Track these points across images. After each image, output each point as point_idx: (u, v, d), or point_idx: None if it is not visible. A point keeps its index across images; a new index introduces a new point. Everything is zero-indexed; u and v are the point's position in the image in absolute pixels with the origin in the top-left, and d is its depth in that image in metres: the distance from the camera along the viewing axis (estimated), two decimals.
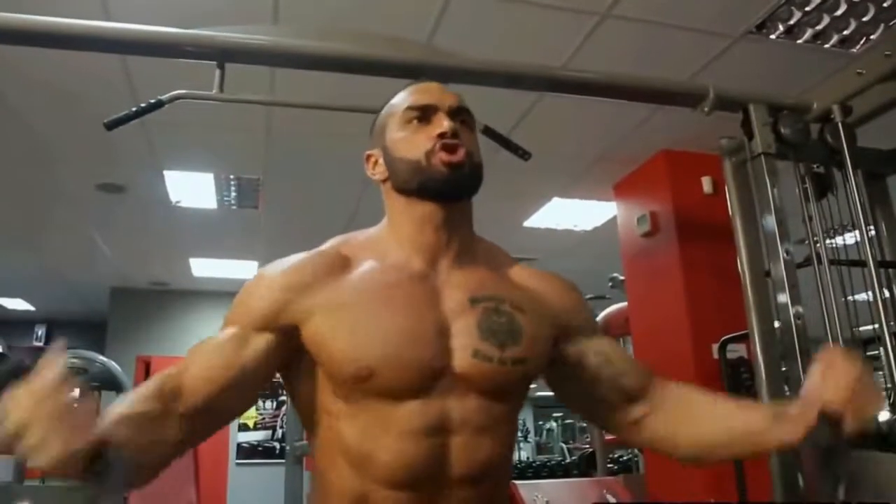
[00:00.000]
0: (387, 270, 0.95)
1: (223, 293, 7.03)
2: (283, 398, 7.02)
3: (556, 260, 5.27)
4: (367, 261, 0.97)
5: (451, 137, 0.94)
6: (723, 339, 2.90)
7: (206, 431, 0.91)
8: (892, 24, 2.57)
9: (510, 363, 0.91)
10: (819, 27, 2.60)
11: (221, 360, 0.90)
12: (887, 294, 1.91)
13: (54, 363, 0.73)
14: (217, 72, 1.69)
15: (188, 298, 6.91)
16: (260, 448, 7.03)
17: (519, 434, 12.10)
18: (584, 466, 5.89)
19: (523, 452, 12.45)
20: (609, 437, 6.33)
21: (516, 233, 4.93)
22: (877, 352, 1.83)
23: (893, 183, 2.20)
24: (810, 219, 1.96)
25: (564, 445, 11.69)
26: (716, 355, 3.03)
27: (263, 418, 7.14)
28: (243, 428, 7.05)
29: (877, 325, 1.80)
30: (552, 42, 2.68)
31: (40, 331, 8.53)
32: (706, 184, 3.57)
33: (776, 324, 1.83)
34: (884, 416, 1.96)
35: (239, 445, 6.98)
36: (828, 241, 1.97)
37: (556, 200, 4.50)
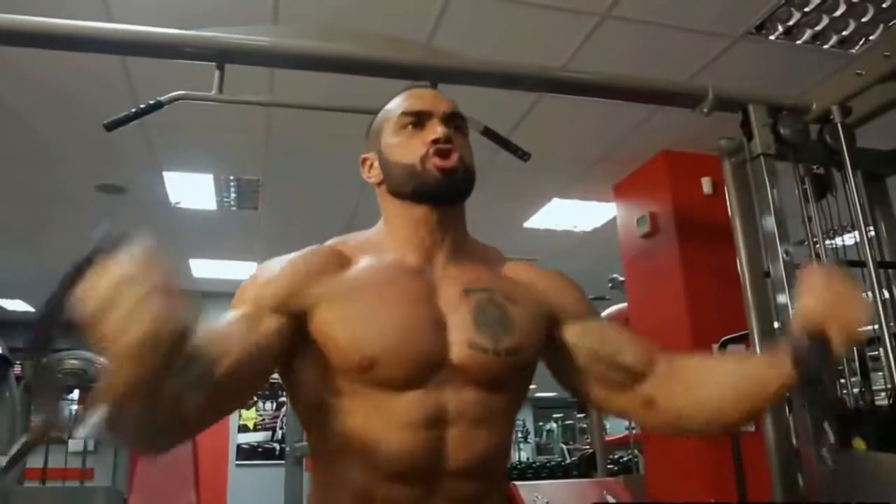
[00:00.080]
0: (384, 267, 0.97)
1: (223, 294, 6.99)
2: (283, 399, 7.02)
3: (556, 261, 5.26)
4: (364, 259, 0.98)
5: (444, 143, 0.97)
6: (723, 339, 2.89)
7: (208, 414, 0.84)
8: (891, 24, 2.57)
9: (504, 354, 0.93)
10: (818, 28, 2.61)
11: (236, 335, 0.86)
12: (887, 294, 1.91)
13: (144, 249, 0.68)
14: (216, 73, 1.69)
15: (188, 299, 6.90)
16: (260, 449, 7.03)
17: (519, 435, 12.17)
18: (585, 467, 5.89)
19: (523, 453, 12.46)
20: (609, 437, 6.34)
21: (516, 234, 4.93)
22: (877, 352, 1.83)
23: (893, 183, 2.20)
24: (810, 219, 1.96)
25: (564, 446, 11.69)
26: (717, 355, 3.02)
27: (263, 419, 7.14)
28: (243, 429, 7.05)
29: (877, 326, 1.80)
30: (552, 43, 2.68)
31: None
32: (706, 185, 3.58)
33: (776, 324, 1.84)
34: None
35: (239, 447, 6.98)
36: (827, 242, 1.98)
37: (555, 201, 4.50)
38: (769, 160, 1.87)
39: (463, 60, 1.85)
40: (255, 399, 7.18)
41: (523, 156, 1.91)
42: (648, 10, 2.51)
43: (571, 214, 4.74)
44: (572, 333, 1.03)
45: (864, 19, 2.55)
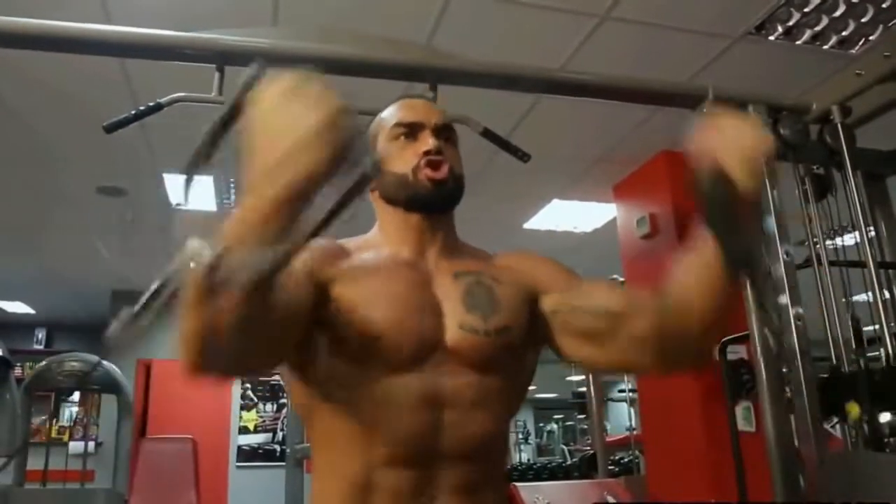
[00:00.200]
0: (382, 259, 1.02)
1: None
2: (284, 401, 7.02)
3: None
4: (363, 253, 1.03)
5: (435, 154, 1.02)
6: (723, 340, 2.89)
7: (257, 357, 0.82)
8: (890, 24, 2.57)
9: (494, 334, 0.97)
10: (818, 28, 2.61)
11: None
12: (887, 295, 1.91)
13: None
14: (216, 75, 1.69)
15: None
16: (260, 451, 7.03)
17: (520, 436, 12.15)
18: (585, 468, 5.88)
19: (524, 454, 12.44)
20: (610, 438, 6.34)
21: (516, 235, 4.93)
22: (877, 352, 1.83)
23: (893, 184, 2.20)
24: (810, 220, 1.96)
25: (565, 447, 11.69)
26: (716, 357, 3.02)
27: (264, 421, 7.15)
28: (244, 431, 7.06)
29: (877, 326, 1.80)
30: (551, 44, 2.68)
31: (40, 334, 8.53)
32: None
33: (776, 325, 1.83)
34: (885, 417, 1.96)
35: (239, 448, 6.99)
36: (828, 242, 1.98)
37: (555, 202, 4.51)
38: (769, 160, 1.86)
39: (462, 61, 1.84)
40: (256, 400, 7.18)
41: (523, 157, 1.90)
42: (648, 10, 2.51)
43: (571, 215, 4.74)
44: (551, 302, 1.05)
45: (863, 20, 2.55)
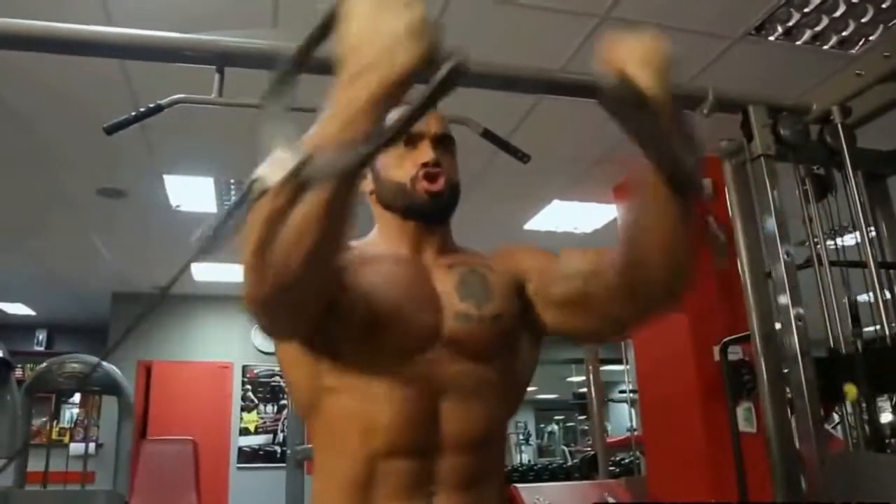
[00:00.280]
0: (383, 256, 1.05)
1: (224, 297, 7.04)
2: (284, 402, 7.02)
3: None
4: (364, 250, 1.06)
5: (433, 167, 1.04)
6: (724, 340, 2.89)
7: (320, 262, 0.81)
8: (890, 24, 2.57)
9: (488, 321, 1.00)
10: (818, 28, 2.61)
11: None
12: (888, 295, 1.91)
13: None
14: (216, 76, 1.69)
15: (189, 303, 6.90)
16: (261, 452, 7.03)
17: (520, 437, 12.13)
18: (586, 469, 5.88)
19: (524, 455, 12.43)
20: (611, 439, 6.33)
21: (517, 235, 4.93)
22: (874, 328, 1.82)
23: (894, 184, 2.20)
24: (810, 220, 1.96)
25: (566, 448, 11.66)
26: (717, 357, 3.02)
27: (265, 422, 7.15)
28: (244, 432, 7.05)
29: (878, 327, 1.80)
30: (551, 44, 2.68)
31: (41, 335, 8.53)
32: (706, 186, 3.58)
33: (777, 325, 1.83)
34: (886, 418, 1.96)
35: (240, 449, 6.98)
36: (828, 243, 1.97)
37: (556, 203, 4.51)
38: (769, 161, 1.86)
39: None
40: (256, 402, 7.18)
41: (523, 158, 1.90)
42: (648, 11, 2.51)
43: (572, 216, 4.74)
44: (533, 285, 1.08)
45: (863, 20, 2.55)
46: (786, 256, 1.77)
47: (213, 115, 2.89)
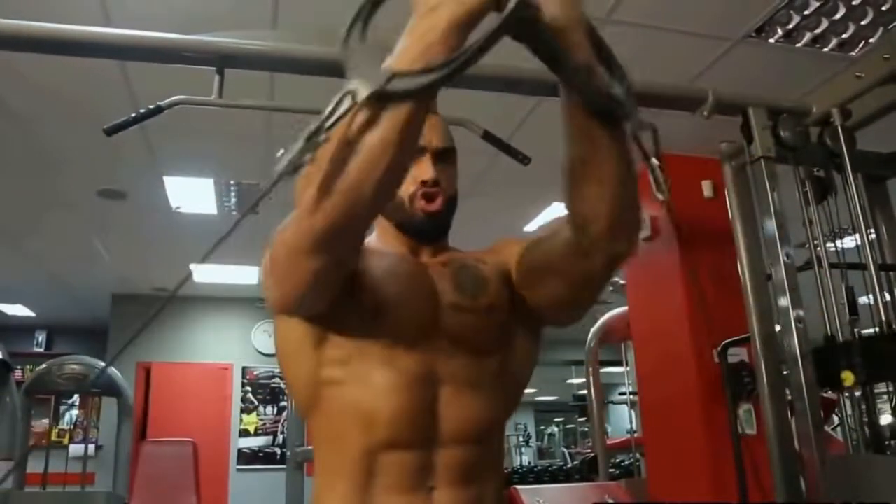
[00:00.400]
0: (384, 252, 1.07)
1: (224, 299, 7.04)
2: (284, 404, 7.02)
3: None
4: (366, 246, 1.05)
5: (431, 186, 1.05)
6: (724, 342, 2.89)
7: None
8: (890, 27, 2.57)
9: (483, 312, 1.02)
10: (818, 31, 2.61)
11: None
12: (888, 297, 1.91)
13: None
14: (216, 77, 1.69)
15: (189, 304, 6.90)
16: (261, 454, 7.02)
17: (520, 439, 12.11)
18: (586, 471, 5.86)
19: (525, 457, 12.42)
20: (611, 441, 6.32)
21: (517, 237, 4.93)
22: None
23: (893, 186, 2.20)
24: (810, 222, 1.96)
25: (566, 450, 11.65)
26: (717, 359, 3.02)
27: (264, 424, 7.14)
28: (244, 434, 7.05)
29: (878, 328, 1.80)
30: None
31: (41, 337, 8.52)
32: (706, 188, 3.57)
33: (777, 327, 1.83)
34: (885, 420, 1.96)
35: (240, 451, 6.98)
36: (828, 245, 1.97)
37: (556, 205, 4.50)
38: (769, 163, 1.87)
39: None
40: (256, 404, 7.18)
41: (523, 159, 1.91)
42: (648, 13, 2.51)
43: None
44: (514, 268, 1.08)
45: (863, 22, 2.55)
46: (786, 258, 1.77)
47: (213, 116, 2.90)
